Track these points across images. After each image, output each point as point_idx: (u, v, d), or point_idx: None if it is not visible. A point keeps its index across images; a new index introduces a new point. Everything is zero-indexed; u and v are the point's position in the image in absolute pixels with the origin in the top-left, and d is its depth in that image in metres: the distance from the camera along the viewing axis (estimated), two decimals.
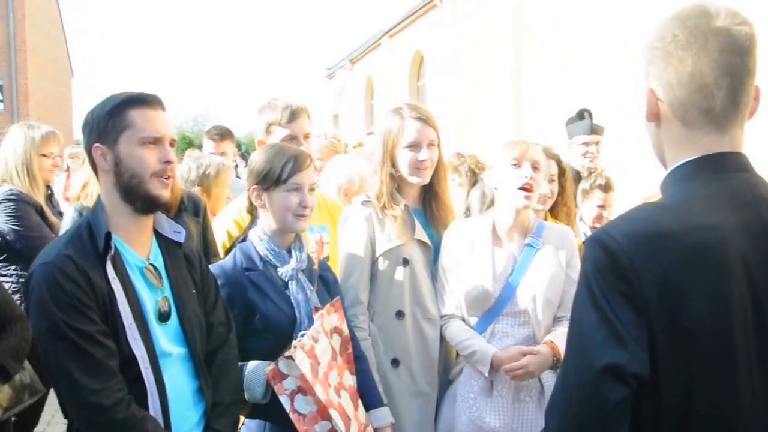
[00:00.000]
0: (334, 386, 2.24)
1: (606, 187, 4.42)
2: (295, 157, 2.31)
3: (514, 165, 2.56)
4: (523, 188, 2.53)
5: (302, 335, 2.17)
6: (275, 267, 2.34)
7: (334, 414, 2.16)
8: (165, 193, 1.89)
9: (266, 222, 2.38)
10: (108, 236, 1.79)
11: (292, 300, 2.30)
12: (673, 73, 1.26)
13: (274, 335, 2.27)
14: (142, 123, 1.83)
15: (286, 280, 2.33)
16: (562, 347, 2.51)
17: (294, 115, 2.81)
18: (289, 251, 2.37)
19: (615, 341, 1.15)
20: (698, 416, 1.17)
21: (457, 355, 2.74)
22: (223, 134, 5.01)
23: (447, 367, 2.78)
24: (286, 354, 2.10)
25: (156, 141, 1.85)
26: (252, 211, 2.49)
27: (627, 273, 1.16)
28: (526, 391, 2.55)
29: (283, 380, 2.11)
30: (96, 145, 1.84)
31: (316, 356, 2.19)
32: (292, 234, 2.39)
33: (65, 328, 1.68)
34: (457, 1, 14.88)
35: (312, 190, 2.36)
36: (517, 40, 11.33)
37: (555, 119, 9.27)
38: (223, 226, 2.96)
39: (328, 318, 2.30)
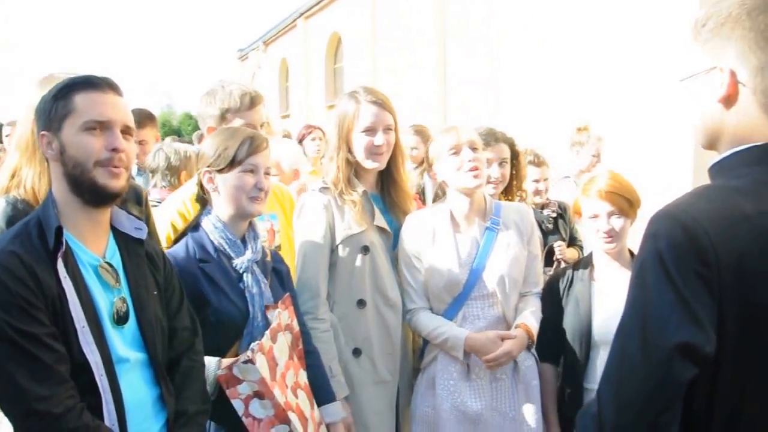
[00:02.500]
0: (291, 386, 2.18)
1: (537, 162, 4.49)
2: (252, 138, 2.22)
3: (453, 153, 2.56)
4: (469, 170, 2.53)
5: (263, 336, 2.10)
6: (229, 257, 2.23)
7: (293, 417, 2.09)
8: (114, 183, 1.71)
9: (220, 208, 2.26)
10: (59, 231, 1.63)
11: (246, 293, 2.20)
12: (766, 61, 1.22)
13: (224, 330, 2.17)
14: (85, 107, 1.67)
15: (241, 272, 2.23)
16: (534, 329, 2.59)
17: (253, 103, 2.69)
18: (243, 241, 2.27)
19: (691, 321, 1.14)
20: (755, 403, 1.18)
21: (425, 342, 2.73)
22: (141, 120, 4.48)
23: (405, 353, 2.76)
24: (244, 359, 2.01)
25: (102, 126, 1.69)
26: (201, 199, 2.35)
27: (707, 255, 1.14)
28: (501, 370, 2.58)
29: (238, 385, 2.02)
30: (42, 132, 1.70)
31: (274, 357, 2.11)
32: (246, 222, 2.30)
33: (9, 329, 1.52)
34: None
35: (268, 174, 2.27)
36: (441, 22, 11.36)
37: (480, 100, 9.41)
38: (166, 217, 2.77)
39: (283, 315, 2.23)
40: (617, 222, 2.49)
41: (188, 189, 2.81)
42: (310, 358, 2.37)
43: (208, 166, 2.22)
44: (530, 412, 2.59)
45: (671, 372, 1.14)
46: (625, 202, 2.49)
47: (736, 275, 1.15)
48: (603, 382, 1.24)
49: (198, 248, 2.21)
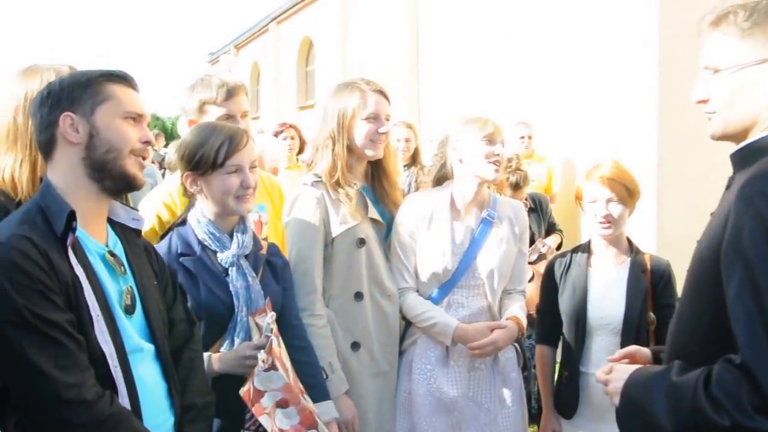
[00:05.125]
0: (299, 390, 2.10)
1: (516, 185, 4.54)
2: (231, 137, 2.15)
3: (487, 142, 2.59)
4: (493, 162, 2.58)
5: (270, 343, 1.99)
6: (215, 252, 2.19)
7: (319, 420, 2.03)
8: (141, 175, 1.73)
9: (205, 205, 2.22)
10: (72, 215, 1.56)
11: (231, 288, 2.16)
12: None
13: (209, 324, 2.13)
14: (125, 98, 1.71)
15: (226, 266, 2.18)
16: (524, 322, 2.63)
17: (231, 93, 2.60)
18: (231, 235, 2.22)
19: None
20: None
21: (407, 326, 2.72)
22: None
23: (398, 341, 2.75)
24: (264, 367, 1.91)
25: (137, 119, 1.73)
26: (187, 195, 2.29)
27: None
28: (480, 359, 2.59)
29: (261, 398, 1.91)
30: (66, 113, 1.63)
31: (283, 362, 2.04)
32: (236, 216, 2.25)
33: (30, 316, 1.44)
34: None
35: (253, 167, 2.21)
36: (413, 25, 11.39)
37: (454, 103, 9.45)
38: (151, 208, 2.71)
39: (271, 317, 2.15)
40: (615, 208, 2.55)
41: (176, 181, 2.75)
42: (304, 354, 2.32)
43: (190, 170, 2.16)
44: (506, 404, 2.61)
45: None
46: (624, 190, 2.55)
47: None
48: (751, 345, 1.20)
49: (181, 243, 2.17)
